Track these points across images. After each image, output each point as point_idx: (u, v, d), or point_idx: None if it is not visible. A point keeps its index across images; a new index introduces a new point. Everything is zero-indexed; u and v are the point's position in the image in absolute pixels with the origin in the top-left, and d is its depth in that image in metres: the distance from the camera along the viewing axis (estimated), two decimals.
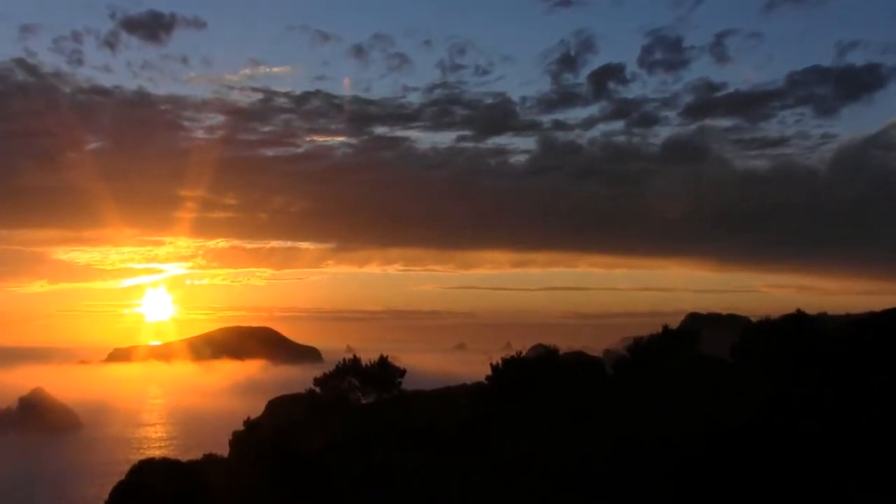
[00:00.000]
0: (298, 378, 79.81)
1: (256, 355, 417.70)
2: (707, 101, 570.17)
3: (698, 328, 47.46)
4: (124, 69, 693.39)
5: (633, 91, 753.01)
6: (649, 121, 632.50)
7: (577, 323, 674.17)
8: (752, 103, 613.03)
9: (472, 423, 38.24)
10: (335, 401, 44.34)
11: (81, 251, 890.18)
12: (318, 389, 45.76)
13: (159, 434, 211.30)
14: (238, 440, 45.86)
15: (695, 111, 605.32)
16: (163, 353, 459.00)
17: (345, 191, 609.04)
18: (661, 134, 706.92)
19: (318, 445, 39.28)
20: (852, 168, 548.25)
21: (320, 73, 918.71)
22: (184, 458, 49.87)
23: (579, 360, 43.53)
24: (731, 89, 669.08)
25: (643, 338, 44.35)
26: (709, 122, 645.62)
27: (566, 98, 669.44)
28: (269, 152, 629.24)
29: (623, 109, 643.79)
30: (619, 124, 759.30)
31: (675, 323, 50.96)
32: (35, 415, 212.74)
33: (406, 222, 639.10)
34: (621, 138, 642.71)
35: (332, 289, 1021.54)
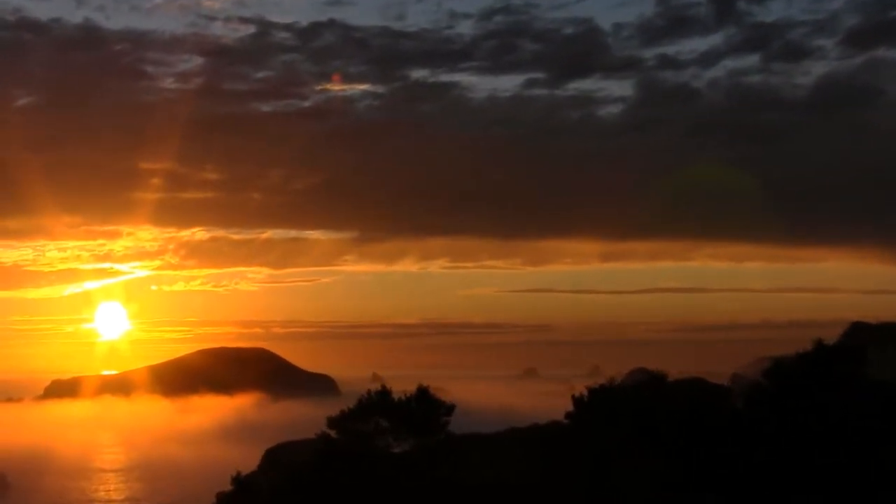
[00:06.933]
0: (306, 418, 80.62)
1: (249, 387, 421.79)
2: (879, 24, 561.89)
3: (865, 343, 47.14)
4: None
5: (772, 12, 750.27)
6: (796, 53, 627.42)
7: (693, 338, 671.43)
8: None
9: (547, 478, 38.36)
10: (357, 449, 44.71)
11: (7, 247, 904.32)
12: (333, 433, 46.16)
13: (116, 496, 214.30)
14: (225, 503, 46.40)
15: (861, 38, 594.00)
16: (120, 386, 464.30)
17: (369, 159, 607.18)
18: (814, 71, 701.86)
19: None
20: None
21: None
22: None
23: (697, 390, 43.51)
24: None
25: (787, 357, 44.16)
26: (882, 52, 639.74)
27: (678, 24, 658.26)
28: (265, 107, 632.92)
29: (758, 38, 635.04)
30: (752, 59, 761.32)
31: (832, 337, 50.66)
32: None
33: (454, 202, 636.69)
34: (756, 78, 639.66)
35: (350, 295, 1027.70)
